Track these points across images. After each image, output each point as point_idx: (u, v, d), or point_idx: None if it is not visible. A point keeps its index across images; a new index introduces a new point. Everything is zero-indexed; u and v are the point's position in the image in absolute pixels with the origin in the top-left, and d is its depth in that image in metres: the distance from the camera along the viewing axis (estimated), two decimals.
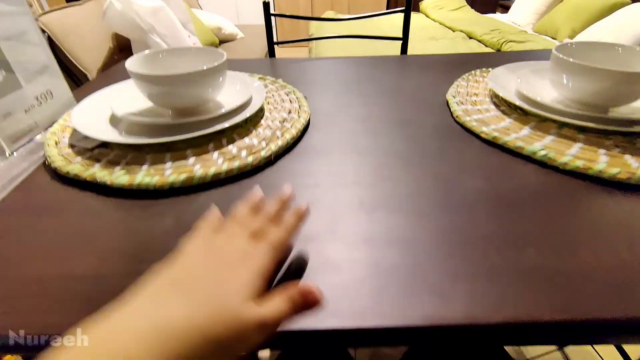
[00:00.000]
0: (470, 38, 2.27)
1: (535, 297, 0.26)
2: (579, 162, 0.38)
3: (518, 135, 0.43)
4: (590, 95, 0.43)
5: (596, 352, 0.85)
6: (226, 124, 0.43)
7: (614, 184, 0.36)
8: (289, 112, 0.50)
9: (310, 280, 0.28)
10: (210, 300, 0.20)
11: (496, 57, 0.76)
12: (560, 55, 0.43)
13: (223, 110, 0.45)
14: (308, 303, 0.22)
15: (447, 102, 0.54)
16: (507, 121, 0.46)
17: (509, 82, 0.53)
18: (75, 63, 1.36)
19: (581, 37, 1.97)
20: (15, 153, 0.44)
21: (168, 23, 1.47)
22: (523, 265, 0.28)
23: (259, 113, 0.50)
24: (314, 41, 2.19)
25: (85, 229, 0.33)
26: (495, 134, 0.44)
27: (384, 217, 0.33)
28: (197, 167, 0.39)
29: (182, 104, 0.45)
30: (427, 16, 3.00)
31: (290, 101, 0.54)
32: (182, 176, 0.37)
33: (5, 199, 0.37)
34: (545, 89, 0.50)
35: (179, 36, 1.51)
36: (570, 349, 0.99)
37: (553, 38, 2.24)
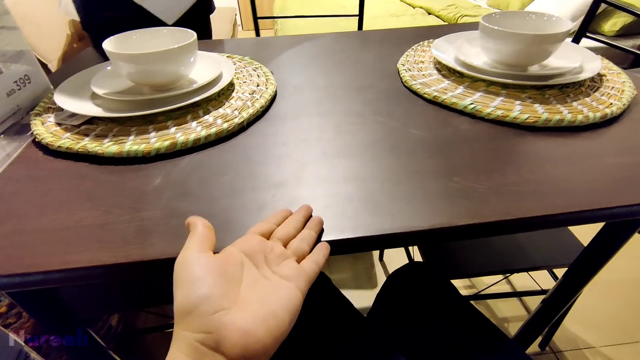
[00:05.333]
0: (429, 14, 2.35)
1: (456, 208, 0.34)
2: (499, 112, 0.46)
3: (454, 94, 0.51)
4: (510, 56, 0.51)
5: (531, 277, 0.99)
6: (201, 97, 0.48)
7: (524, 127, 0.45)
8: (257, 85, 0.56)
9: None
10: None
11: (443, 30, 0.83)
12: (486, 24, 0.51)
13: (195, 86, 0.50)
14: None
15: (398, 70, 0.61)
16: (445, 83, 0.54)
17: (448, 50, 0.60)
18: (34, 52, 1.32)
19: (530, 8, 2.10)
20: (2, 135, 0.48)
21: None
22: (450, 188, 0.36)
23: (230, 87, 0.55)
24: (279, 21, 2.20)
25: (85, 189, 0.38)
26: (435, 93, 0.51)
27: (343, 162, 0.40)
28: (179, 134, 0.44)
29: (159, 80, 0.49)
30: None
31: (258, 76, 0.59)
32: (166, 142, 0.43)
33: (5, 171, 0.41)
34: (477, 54, 0.58)
35: None
36: (513, 277, 1.13)
37: None
